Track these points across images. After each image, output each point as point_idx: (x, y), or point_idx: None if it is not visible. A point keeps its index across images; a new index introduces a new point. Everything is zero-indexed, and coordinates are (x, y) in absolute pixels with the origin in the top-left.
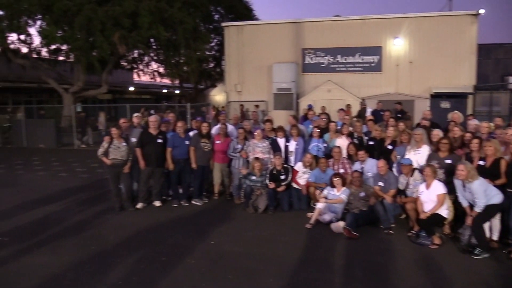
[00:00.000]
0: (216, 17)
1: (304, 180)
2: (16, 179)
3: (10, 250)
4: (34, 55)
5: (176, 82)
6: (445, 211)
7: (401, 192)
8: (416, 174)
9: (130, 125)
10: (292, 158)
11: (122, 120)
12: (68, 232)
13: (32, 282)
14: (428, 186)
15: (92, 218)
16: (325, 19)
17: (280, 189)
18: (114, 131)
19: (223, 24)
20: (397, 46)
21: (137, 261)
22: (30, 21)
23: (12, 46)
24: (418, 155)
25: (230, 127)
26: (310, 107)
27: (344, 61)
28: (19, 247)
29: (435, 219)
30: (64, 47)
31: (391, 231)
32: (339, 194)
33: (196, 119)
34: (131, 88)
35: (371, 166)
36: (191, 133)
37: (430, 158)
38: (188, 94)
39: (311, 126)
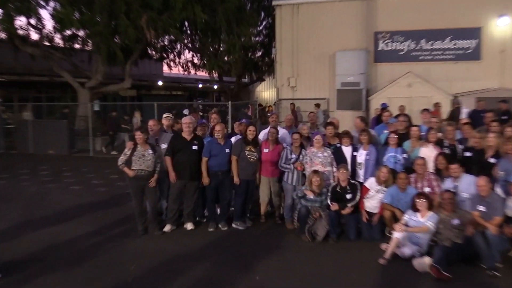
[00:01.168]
0: None
1: (377, 201)
2: (21, 192)
3: (9, 280)
4: (46, 43)
5: (215, 75)
6: None
7: (509, 220)
8: None
9: (159, 128)
10: (361, 172)
11: (151, 122)
12: (80, 259)
13: None
14: None
15: (109, 242)
16: None
17: (345, 211)
18: (138, 135)
19: (275, 2)
20: (502, 27)
21: None
22: (41, 2)
23: (20, 31)
24: None
25: (282, 132)
26: (384, 107)
27: (430, 47)
28: (19, 276)
29: None
30: (81, 33)
31: (497, 273)
32: (424, 220)
33: (240, 121)
34: (160, 83)
35: (467, 184)
36: (232, 139)
37: None
38: (228, 90)
39: (386, 131)
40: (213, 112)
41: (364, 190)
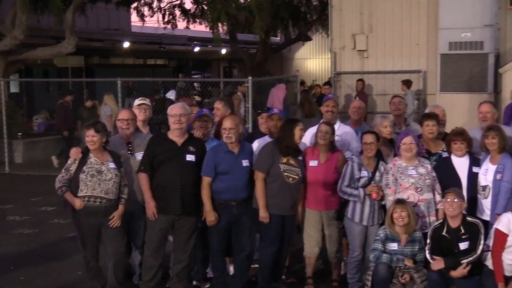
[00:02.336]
0: None
1: None
2: None
3: None
4: None
5: (222, 31)
6: None
7: None
8: None
9: (134, 126)
10: (486, 202)
11: (124, 115)
12: None
13: None
14: None
15: None
16: None
17: (458, 272)
18: (91, 136)
19: None
20: None
21: None
22: None
23: None
24: None
25: (344, 131)
26: None
27: None
28: None
29: None
30: None
31: None
32: None
33: (270, 111)
34: (126, 44)
35: None
36: (255, 144)
37: None
38: (247, 58)
39: None
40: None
41: (498, 236)
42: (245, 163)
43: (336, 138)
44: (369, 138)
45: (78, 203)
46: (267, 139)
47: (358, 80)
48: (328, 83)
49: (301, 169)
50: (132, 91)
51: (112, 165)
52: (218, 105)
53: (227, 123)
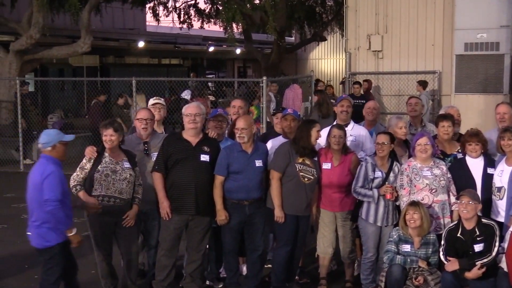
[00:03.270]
0: None
1: None
2: None
3: None
4: None
5: (237, 30)
6: None
7: None
8: None
9: (152, 126)
10: (501, 204)
11: (143, 114)
12: None
13: None
14: None
15: None
16: None
17: (473, 274)
18: (110, 136)
19: None
20: None
21: None
22: None
23: None
24: None
25: (357, 130)
26: None
27: None
28: None
29: None
30: None
31: None
32: None
33: (284, 111)
34: (141, 44)
35: None
36: (268, 144)
37: None
38: (262, 58)
39: None
40: (237, 97)
41: None
42: (258, 163)
43: (350, 138)
44: (381, 138)
45: (93, 203)
46: (281, 139)
47: (365, 80)
48: (341, 83)
49: (316, 169)
50: (154, 93)
51: (127, 164)
52: (238, 103)
53: (240, 123)
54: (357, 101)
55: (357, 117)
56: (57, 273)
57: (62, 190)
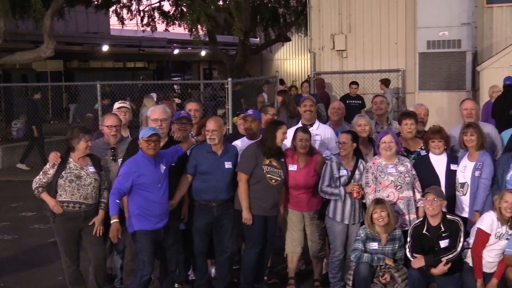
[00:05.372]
0: None
1: (498, 253)
2: None
3: None
4: None
5: (202, 32)
6: None
7: None
8: None
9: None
10: (465, 199)
11: (111, 120)
12: None
13: None
14: None
15: None
16: None
17: (439, 270)
18: (86, 142)
19: None
20: None
21: None
22: None
23: None
24: None
25: (323, 129)
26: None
27: None
28: None
29: None
30: None
31: None
32: None
33: (246, 112)
34: (105, 48)
35: None
36: (238, 143)
37: None
38: (227, 59)
39: None
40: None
41: (481, 236)
42: (227, 165)
43: (316, 137)
44: (342, 137)
45: (52, 203)
46: (245, 141)
47: (317, 79)
48: (306, 81)
49: (283, 170)
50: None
51: (91, 169)
52: (194, 106)
53: (210, 125)
54: (353, 101)
55: (352, 118)
56: None
57: None
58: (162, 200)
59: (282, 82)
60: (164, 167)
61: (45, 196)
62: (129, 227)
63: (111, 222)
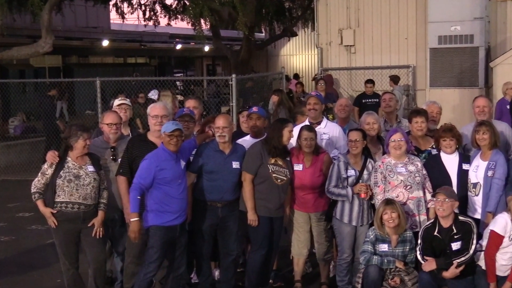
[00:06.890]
0: None
1: (511, 256)
2: None
3: None
4: None
5: (205, 26)
6: None
7: None
8: None
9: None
10: (476, 199)
11: (111, 118)
12: None
13: None
14: None
15: None
16: None
17: (450, 273)
18: (84, 140)
19: None
20: None
21: None
22: None
23: None
24: None
25: (331, 127)
26: None
27: None
28: None
29: None
30: None
31: None
32: None
33: (250, 110)
34: (105, 43)
35: None
36: (244, 141)
37: None
38: (231, 55)
39: None
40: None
41: (494, 238)
42: (235, 164)
43: (323, 136)
44: (354, 135)
45: (47, 214)
46: (248, 140)
47: (326, 74)
48: (313, 79)
49: (289, 170)
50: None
51: (91, 168)
52: (192, 103)
53: (220, 122)
54: (370, 100)
55: None
56: None
57: None
58: (181, 196)
59: (297, 76)
60: (184, 163)
61: (40, 205)
62: (145, 222)
63: (131, 220)
